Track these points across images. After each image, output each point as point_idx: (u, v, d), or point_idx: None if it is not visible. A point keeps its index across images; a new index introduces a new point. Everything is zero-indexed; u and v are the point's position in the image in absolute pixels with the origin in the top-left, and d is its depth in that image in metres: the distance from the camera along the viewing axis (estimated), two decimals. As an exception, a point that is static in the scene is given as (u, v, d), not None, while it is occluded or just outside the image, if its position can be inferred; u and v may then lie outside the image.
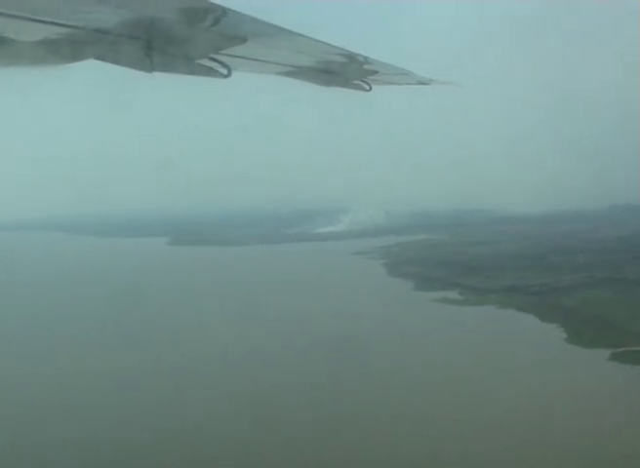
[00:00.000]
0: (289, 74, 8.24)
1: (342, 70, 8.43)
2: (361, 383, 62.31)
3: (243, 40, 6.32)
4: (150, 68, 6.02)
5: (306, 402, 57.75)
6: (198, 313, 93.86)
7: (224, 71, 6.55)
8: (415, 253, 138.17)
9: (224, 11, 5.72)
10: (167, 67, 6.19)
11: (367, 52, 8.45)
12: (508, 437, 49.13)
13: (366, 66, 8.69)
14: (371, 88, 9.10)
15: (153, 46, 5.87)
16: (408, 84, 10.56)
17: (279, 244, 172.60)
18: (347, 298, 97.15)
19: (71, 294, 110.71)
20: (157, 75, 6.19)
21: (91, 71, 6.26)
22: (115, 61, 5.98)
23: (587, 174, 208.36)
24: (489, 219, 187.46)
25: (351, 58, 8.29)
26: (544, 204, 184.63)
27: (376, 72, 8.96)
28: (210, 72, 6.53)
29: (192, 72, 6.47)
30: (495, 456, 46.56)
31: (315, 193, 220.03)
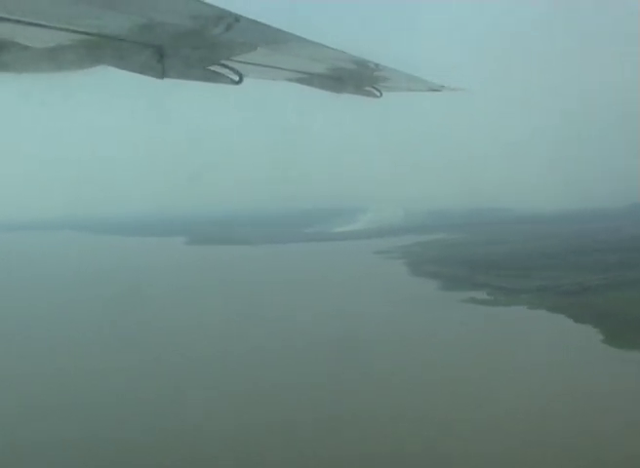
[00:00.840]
0: (300, 81, 8.20)
1: (353, 77, 8.35)
2: (392, 385, 59.24)
3: (254, 47, 6.28)
4: (162, 75, 5.87)
5: (326, 401, 55.97)
6: (216, 313, 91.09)
7: (236, 78, 6.43)
8: (436, 252, 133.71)
9: (236, 17, 5.62)
10: (178, 74, 6.03)
11: (377, 57, 8.36)
12: (543, 439, 46.05)
13: (377, 73, 8.60)
14: (382, 94, 8.96)
15: (165, 52, 5.76)
16: (419, 90, 10.52)
17: (297, 243, 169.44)
18: (371, 299, 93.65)
19: (84, 293, 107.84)
20: (168, 80, 6.01)
21: (103, 77, 6.06)
22: (127, 68, 5.86)
23: (605, 172, 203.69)
24: (507, 219, 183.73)
25: (362, 64, 8.18)
26: (563, 203, 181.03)
27: (387, 79, 8.87)
28: (221, 79, 6.37)
29: (203, 78, 6.30)
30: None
31: (332, 192, 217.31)
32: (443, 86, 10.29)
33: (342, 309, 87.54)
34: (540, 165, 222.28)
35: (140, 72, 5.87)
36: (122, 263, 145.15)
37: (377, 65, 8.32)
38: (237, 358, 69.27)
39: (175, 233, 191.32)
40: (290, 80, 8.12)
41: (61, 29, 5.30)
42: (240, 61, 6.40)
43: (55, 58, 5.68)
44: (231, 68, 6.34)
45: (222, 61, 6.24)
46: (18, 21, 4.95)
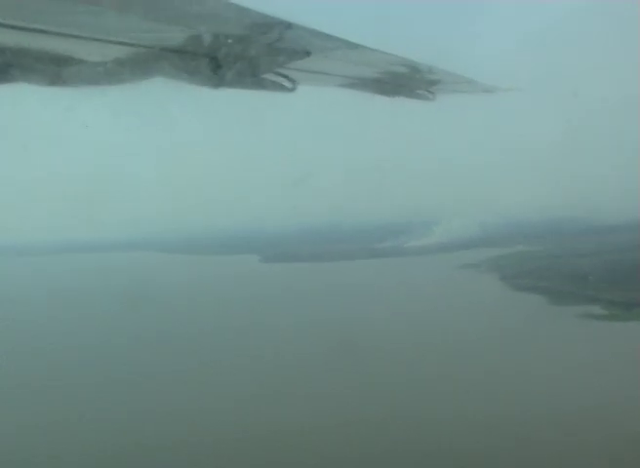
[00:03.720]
0: (352, 86, 8.15)
1: (406, 80, 8.29)
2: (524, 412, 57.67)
3: (307, 53, 6.22)
4: (217, 84, 5.96)
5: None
6: (291, 331, 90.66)
7: (290, 85, 6.49)
8: (526, 265, 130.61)
9: (288, 25, 5.64)
10: (233, 83, 6.10)
11: (428, 59, 8.13)
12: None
13: (429, 76, 8.49)
14: (435, 97, 8.87)
15: (219, 62, 5.80)
16: (472, 92, 10.28)
17: (372, 259, 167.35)
18: (476, 317, 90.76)
19: (163, 312, 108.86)
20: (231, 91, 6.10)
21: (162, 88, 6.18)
22: (183, 79, 5.97)
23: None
24: (586, 229, 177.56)
25: (414, 67, 8.09)
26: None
27: (439, 81, 8.72)
28: (275, 86, 6.46)
29: (258, 87, 6.40)
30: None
31: (403, 206, 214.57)
32: (496, 87, 10.19)
33: (445, 331, 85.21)
34: (612, 171, 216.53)
35: (196, 83, 5.93)
36: (198, 282, 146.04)
37: (429, 68, 8.25)
38: (318, 381, 68.48)
39: (248, 251, 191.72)
40: (342, 86, 8.09)
41: (119, 43, 5.47)
42: (293, 69, 6.35)
43: (112, 72, 5.79)
44: (285, 76, 6.36)
45: (276, 69, 6.24)
46: (76, 37, 5.14)
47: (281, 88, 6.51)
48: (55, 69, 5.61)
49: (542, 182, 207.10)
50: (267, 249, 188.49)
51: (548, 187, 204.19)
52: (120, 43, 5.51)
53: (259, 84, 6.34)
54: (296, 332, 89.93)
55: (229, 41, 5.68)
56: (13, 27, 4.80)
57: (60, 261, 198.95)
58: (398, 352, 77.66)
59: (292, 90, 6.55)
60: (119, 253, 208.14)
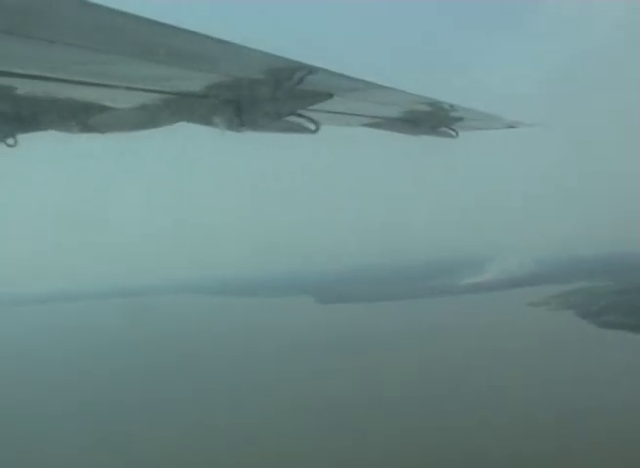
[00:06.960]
0: (375, 125, 8.23)
1: (429, 119, 8.29)
2: None
3: (330, 96, 6.22)
4: (240, 128, 5.94)
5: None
6: (347, 375, 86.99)
7: (312, 127, 6.44)
8: (602, 301, 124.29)
9: (310, 69, 5.58)
10: (256, 126, 6.10)
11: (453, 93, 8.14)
12: None
13: (452, 113, 8.42)
14: (458, 134, 8.82)
15: (242, 106, 5.82)
16: (495, 128, 10.28)
17: (429, 298, 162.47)
18: (571, 355, 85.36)
19: (226, 357, 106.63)
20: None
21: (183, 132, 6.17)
22: (206, 123, 6.00)
23: None
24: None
25: (437, 106, 8.06)
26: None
27: (462, 119, 8.65)
28: (298, 128, 6.46)
29: (281, 130, 6.42)
30: None
31: (455, 243, 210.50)
32: (519, 122, 10.05)
33: (533, 372, 79.52)
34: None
35: (219, 127, 5.86)
36: (256, 326, 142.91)
37: (451, 106, 8.14)
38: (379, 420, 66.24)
39: (303, 292, 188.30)
40: (365, 125, 8.12)
41: (144, 90, 5.51)
42: (316, 110, 6.26)
43: (138, 118, 5.90)
44: (308, 118, 6.25)
45: (299, 112, 6.09)
46: (102, 85, 5.22)
47: (304, 130, 6.44)
48: (82, 117, 5.67)
49: (594, 217, 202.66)
50: (321, 290, 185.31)
51: (599, 221, 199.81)
52: (145, 90, 5.51)
53: (282, 126, 6.26)
54: (354, 372, 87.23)
55: (251, 86, 5.56)
56: (41, 78, 4.84)
57: (111, 306, 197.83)
58: (476, 399, 72.55)
59: (315, 131, 6.45)
60: (172, 296, 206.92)
